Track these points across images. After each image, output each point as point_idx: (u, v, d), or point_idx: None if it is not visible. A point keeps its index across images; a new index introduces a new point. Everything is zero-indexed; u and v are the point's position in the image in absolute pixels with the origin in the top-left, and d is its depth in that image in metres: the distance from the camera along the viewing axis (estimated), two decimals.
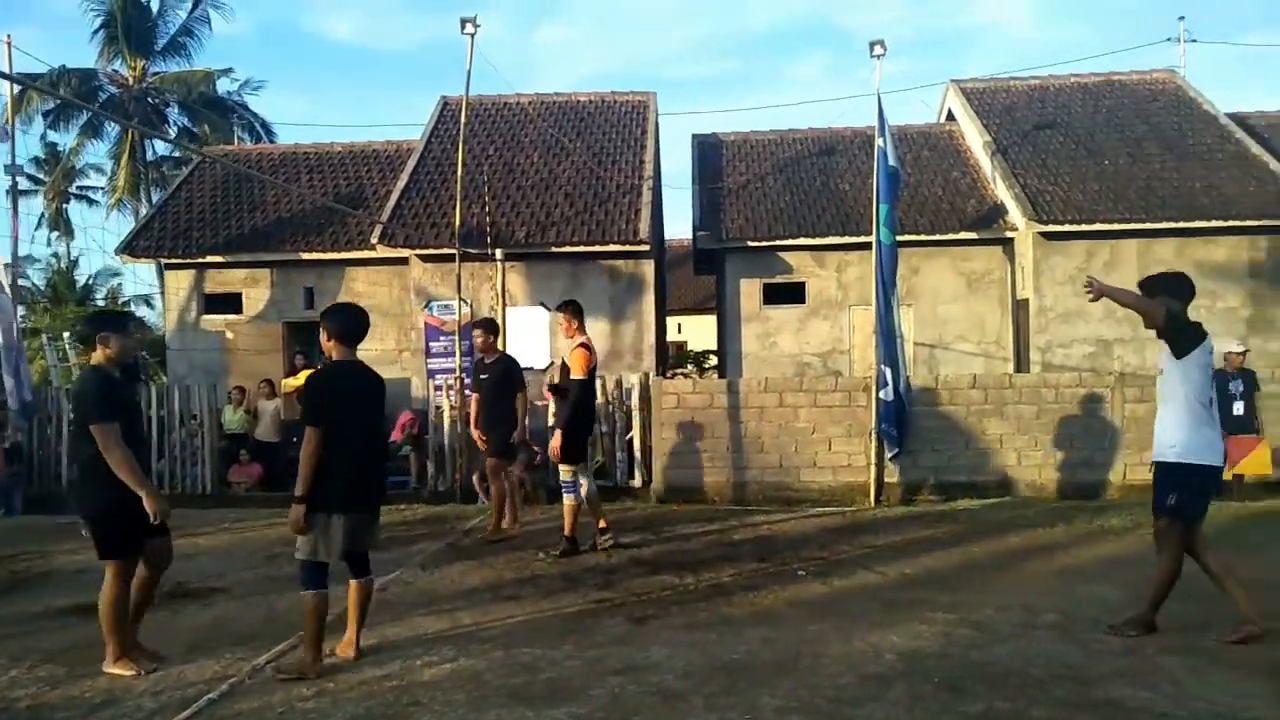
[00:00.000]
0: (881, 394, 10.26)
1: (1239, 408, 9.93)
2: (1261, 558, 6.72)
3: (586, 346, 7.13)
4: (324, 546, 4.45)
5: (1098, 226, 14.68)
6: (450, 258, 13.20)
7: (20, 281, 14.56)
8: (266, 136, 30.57)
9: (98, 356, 4.66)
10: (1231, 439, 9.72)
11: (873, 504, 9.99)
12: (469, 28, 11.90)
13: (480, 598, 5.93)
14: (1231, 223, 14.53)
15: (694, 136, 18.83)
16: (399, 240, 14.81)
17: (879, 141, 10.85)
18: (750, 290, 15.87)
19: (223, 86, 31.12)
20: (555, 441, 7.04)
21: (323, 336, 4.65)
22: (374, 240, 14.89)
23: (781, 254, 15.78)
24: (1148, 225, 14.63)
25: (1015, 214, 15.17)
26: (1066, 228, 14.68)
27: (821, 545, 7.43)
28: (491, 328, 8.33)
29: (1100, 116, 17.46)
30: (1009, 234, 15.44)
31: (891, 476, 10.51)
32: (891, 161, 10.83)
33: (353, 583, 4.68)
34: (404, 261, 15.19)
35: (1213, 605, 5.39)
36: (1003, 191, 15.75)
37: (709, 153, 18.26)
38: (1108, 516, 8.28)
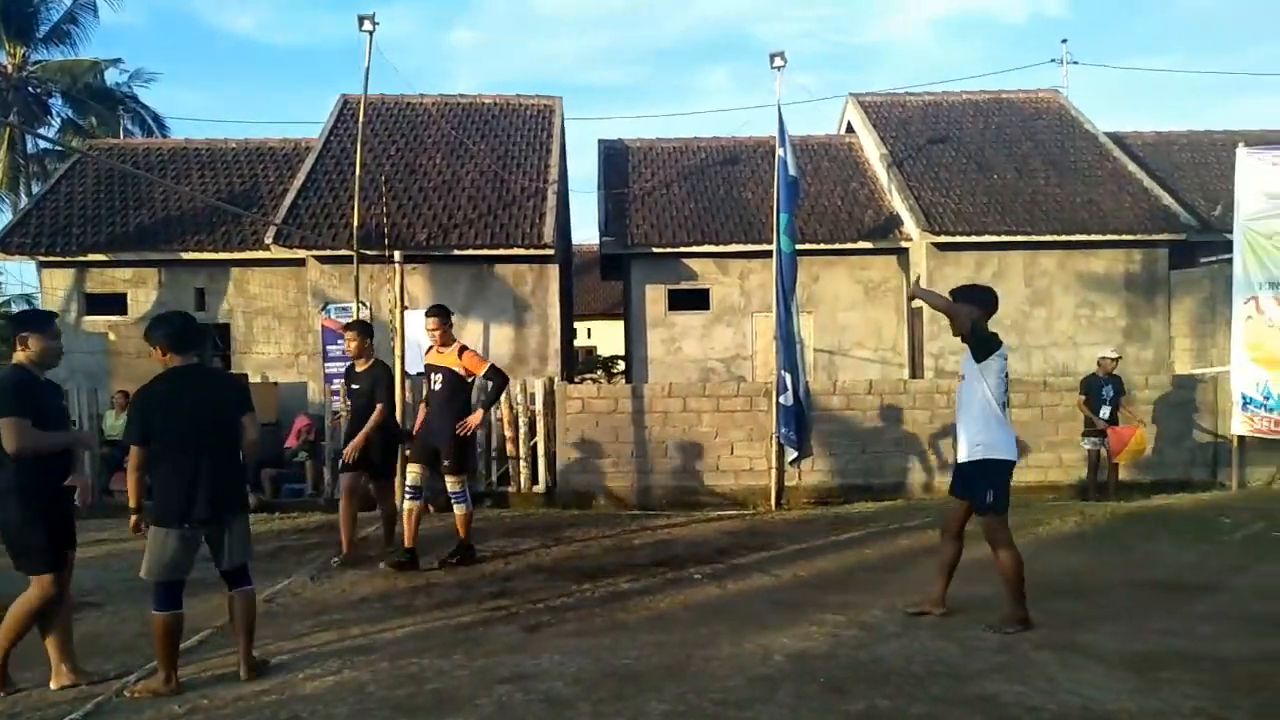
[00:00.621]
0: (782, 399, 10.43)
1: (1106, 411, 10.49)
2: (1130, 555, 7.09)
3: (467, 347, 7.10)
4: (169, 564, 4.22)
5: (986, 238, 15.26)
6: (349, 259, 12.89)
7: None
8: (158, 130, 29.34)
9: (19, 356, 4.44)
10: (1111, 430, 10.36)
11: (773, 507, 10.15)
12: (367, 25, 11.66)
13: (371, 608, 5.79)
14: (1109, 236, 15.31)
15: (600, 142, 18.87)
16: (295, 241, 14.38)
17: (780, 151, 11.05)
18: (656, 296, 15.97)
19: (112, 78, 29.75)
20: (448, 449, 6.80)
21: (155, 352, 4.42)
22: (268, 241, 14.42)
23: (686, 260, 15.93)
24: (1033, 238, 15.28)
25: (910, 225, 15.67)
26: (958, 239, 15.22)
27: (720, 549, 7.50)
28: (365, 331, 7.60)
29: (989, 133, 18.18)
30: (904, 244, 15.93)
31: (792, 480, 10.70)
32: (792, 171, 11.04)
33: (231, 595, 4.48)
34: (300, 263, 14.76)
35: (1088, 601, 5.67)
36: (898, 203, 16.25)
37: (615, 158, 18.31)
38: None
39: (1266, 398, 10.28)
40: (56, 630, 4.43)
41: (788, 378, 10.49)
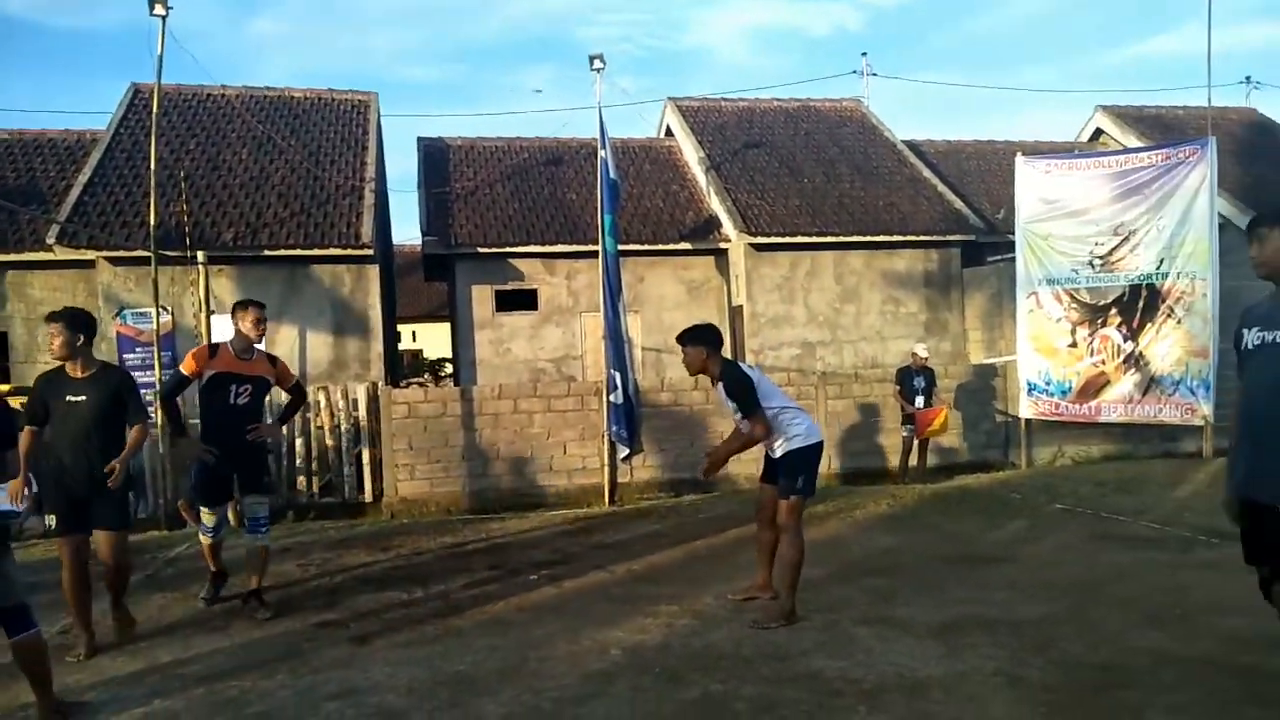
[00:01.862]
0: (612, 397, 10.54)
1: (920, 401, 11.24)
2: (936, 533, 7.64)
3: (214, 345, 5.95)
4: None
5: (799, 239, 16.02)
6: (145, 260, 11.98)
7: None
8: None
9: None
10: (919, 413, 11.12)
11: (607, 504, 10.25)
12: (159, 9, 10.87)
13: (183, 632, 5.41)
14: (909, 237, 16.41)
15: (420, 139, 18.47)
16: (82, 240, 13.24)
17: (601, 153, 11.16)
18: (482, 297, 15.77)
19: None
20: None
21: None
22: (51, 240, 13.20)
23: (512, 261, 15.83)
24: (841, 238, 16.18)
25: (728, 226, 16.22)
26: (773, 239, 15.90)
27: (555, 548, 7.50)
28: (78, 324, 5.00)
29: (799, 139, 19.10)
30: (723, 245, 16.47)
31: (625, 476, 10.85)
32: (612, 174, 11.18)
33: (11, 644, 3.87)
34: (90, 264, 13.60)
35: (901, 577, 6.05)
36: (717, 205, 16.79)
37: (435, 157, 17.95)
38: (811, 503, 8.99)
39: (1048, 383, 11.33)
40: None
41: (617, 376, 10.61)
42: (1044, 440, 12.07)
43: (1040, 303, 11.35)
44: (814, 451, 5.25)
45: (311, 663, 4.71)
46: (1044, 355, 11.36)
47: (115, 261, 13.39)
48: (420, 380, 24.37)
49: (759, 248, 15.95)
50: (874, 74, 22.47)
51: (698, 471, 5.46)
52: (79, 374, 4.96)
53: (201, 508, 5.80)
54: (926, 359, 11.55)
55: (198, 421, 5.98)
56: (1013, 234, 12.05)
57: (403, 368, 24.17)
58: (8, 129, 16.52)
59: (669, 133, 19.96)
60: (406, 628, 5.29)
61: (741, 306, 16.18)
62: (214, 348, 5.74)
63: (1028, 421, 11.67)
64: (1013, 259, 12.02)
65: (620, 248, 11.89)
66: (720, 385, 5.26)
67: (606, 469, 10.62)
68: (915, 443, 11.30)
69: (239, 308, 5.81)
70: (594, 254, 12.55)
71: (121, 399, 5.01)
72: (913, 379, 11.29)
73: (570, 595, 5.97)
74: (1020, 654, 4.43)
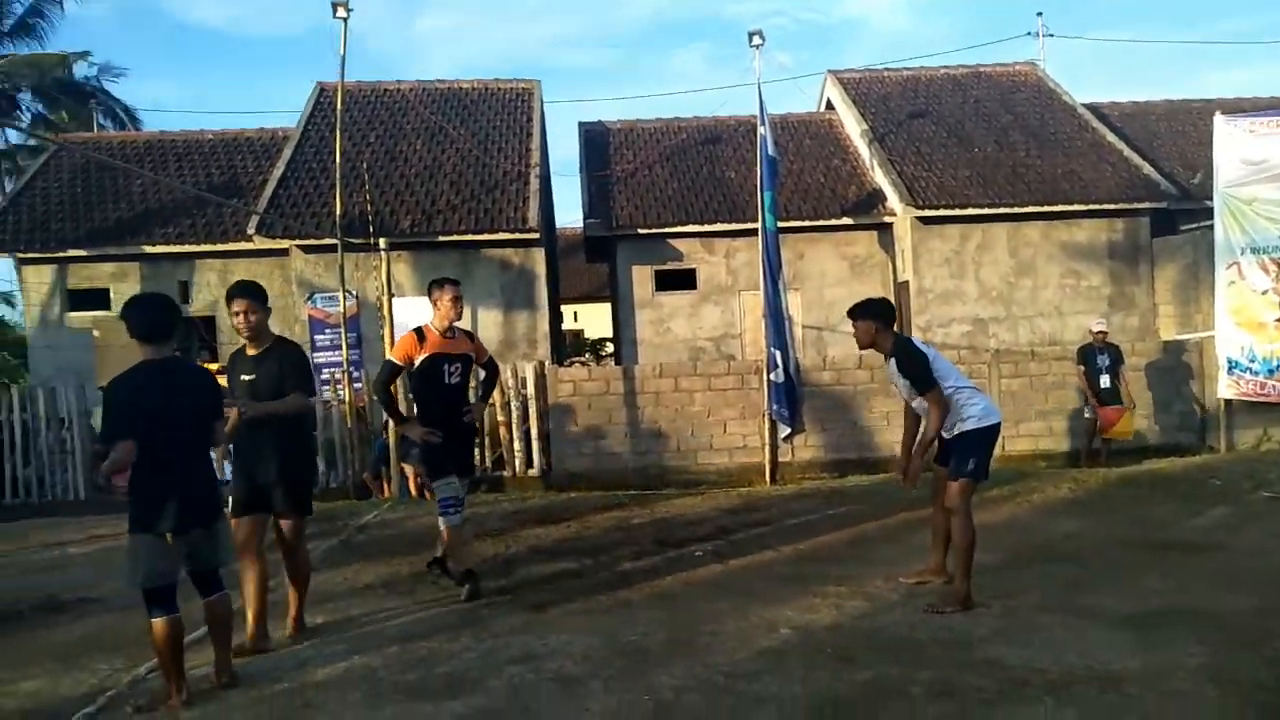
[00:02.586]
0: (772, 376, 10.47)
1: (1106, 380, 10.55)
2: (1123, 519, 7.19)
3: (419, 330, 5.69)
4: (149, 571, 3.94)
5: (970, 211, 15.33)
6: (333, 248, 12.81)
7: None
8: (131, 124, 28.94)
9: None
10: (1102, 409, 10.45)
11: (768, 483, 10.21)
12: (341, 12, 11.55)
13: (375, 594, 5.80)
14: (1091, 206, 15.41)
15: (580, 124, 18.81)
16: (278, 230, 14.29)
17: (760, 130, 11.05)
18: (642, 277, 15.96)
19: (81, 71, 29.31)
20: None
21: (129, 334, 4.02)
22: (251, 230, 14.32)
23: (671, 241, 15.93)
24: (1015, 209, 15.37)
25: (893, 199, 15.71)
26: (941, 212, 15.28)
27: (719, 526, 7.54)
28: (261, 298, 4.90)
29: (969, 106, 18.23)
30: (888, 219, 15.98)
31: (786, 456, 10.78)
32: (771, 150, 11.06)
33: (204, 604, 4.21)
34: (284, 253, 14.67)
35: (1086, 565, 5.75)
36: (880, 178, 16.29)
37: (596, 141, 18.25)
38: (986, 487, 8.65)
39: (1251, 361, 10.41)
40: None
41: (778, 355, 10.52)
42: (1246, 423, 11.11)
43: (1243, 273, 10.42)
44: (990, 433, 5.05)
45: (491, 628, 4.94)
46: (1247, 330, 10.43)
47: (306, 249, 14.38)
48: (582, 359, 24.98)
49: (926, 221, 15.38)
50: (1050, 34, 21.19)
51: (899, 483, 5.23)
52: (255, 350, 4.84)
53: (437, 483, 5.58)
54: (1105, 333, 10.83)
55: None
56: (1210, 200, 11.11)
57: (565, 347, 24.83)
58: (213, 130, 18.02)
59: (829, 106, 19.50)
60: (579, 598, 5.47)
61: (907, 282, 15.67)
62: (419, 331, 5.61)
63: (1228, 402, 10.77)
64: (1210, 227, 11.09)
65: (780, 225, 11.75)
66: (891, 361, 5.13)
67: (767, 448, 10.58)
68: (1098, 424, 10.65)
69: (436, 286, 5.66)
70: (753, 232, 12.47)
71: (296, 374, 4.79)
72: (1096, 357, 10.62)
73: (736, 572, 6.00)
74: (1228, 649, 4.12)
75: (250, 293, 4.80)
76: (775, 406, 10.50)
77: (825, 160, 17.44)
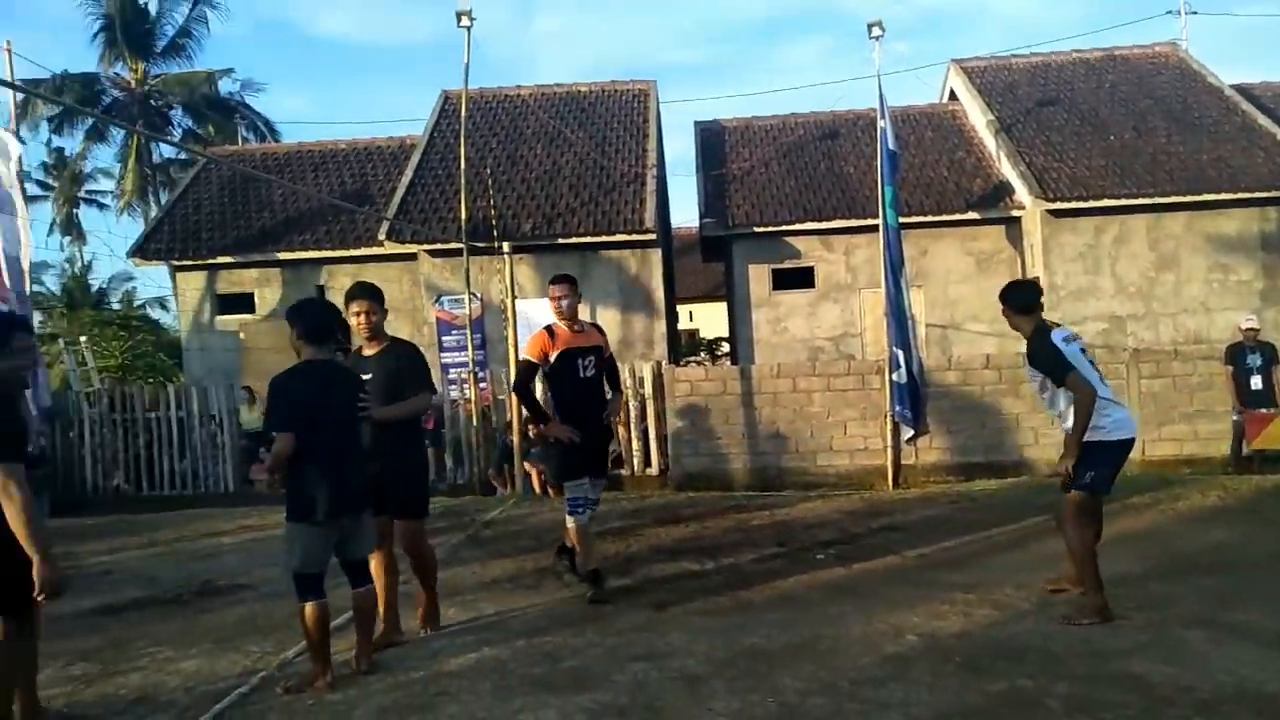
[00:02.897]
0: (895, 376, 10.27)
1: (1257, 381, 9.86)
2: (1273, 526, 6.74)
3: (549, 328, 5.72)
4: (306, 557, 4.19)
5: (1105, 203, 14.62)
6: (458, 252, 13.25)
7: (35, 287, 14.64)
8: (270, 136, 30.67)
9: None
10: (1249, 415, 9.75)
11: (890, 486, 10.02)
12: (465, 21, 11.93)
13: (501, 588, 5.98)
14: (1241, 195, 14.45)
15: (696, 124, 18.83)
16: (406, 236, 14.86)
17: (881, 123, 10.84)
18: (759, 276, 15.87)
19: (225, 87, 31.27)
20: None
21: (291, 335, 4.34)
22: (381, 236, 14.95)
23: (789, 239, 15.77)
24: (1156, 200, 14.56)
25: (1021, 192, 15.13)
26: (1074, 204, 14.63)
27: (840, 529, 7.45)
28: (378, 299, 4.93)
29: (1104, 92, 17.38)
30: (1015, 212, 15.40)
31: (908, 458, 10.54)
32: (891, 144, 10.84)
33: (353, 594, 4.42)
34: (413, 257, 15.24)
35: (1236, 578, 5.43)
36: (1008, 170, 15.70)
37: (712, 139, 18.24)
38: (1126, 493, 8.27)
39: None
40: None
41: (900, 354, 10.31)
42: None
43: None
44: (1118, 449, 4.77)
45: (615, 625, 5.03)
46: None
47: (434, 253, 14.91)
48: (698, 359, 25.01)
49: (1057, 214, 14.74)
50: (1193, 12, 19.94)
51: (1055, 478, 5.01)
52: (372, 350, 4.84)
53: (567, 484, 5.56)
54: (1256, 330, 10.13)
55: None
56: None
57: (681, 347, 24.90)
58: (346, 140, 18.88)
59: (952, 96, 18.92)
60: (700, 598, 5.51)
61: (1037, 278, 15.03)
62: (550, 329, 5.63)
63: None
64: None
65: (902, 220, 11.52)
66: (1026, 350, 4.95)
67: (890, 450, 10.38)
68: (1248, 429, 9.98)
69: (554, 283, 5.70)
70: (873, 228, 12.25)
71: (412, 373, 4.79)
72: (1245, 356, 9.96)
73: (860, 576, 5.92)
74: None
75: (369, 294, 4.84)
76: (898, 408, 10.29)
77: (949, 153, 16.93)
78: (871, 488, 10.01)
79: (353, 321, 4.82)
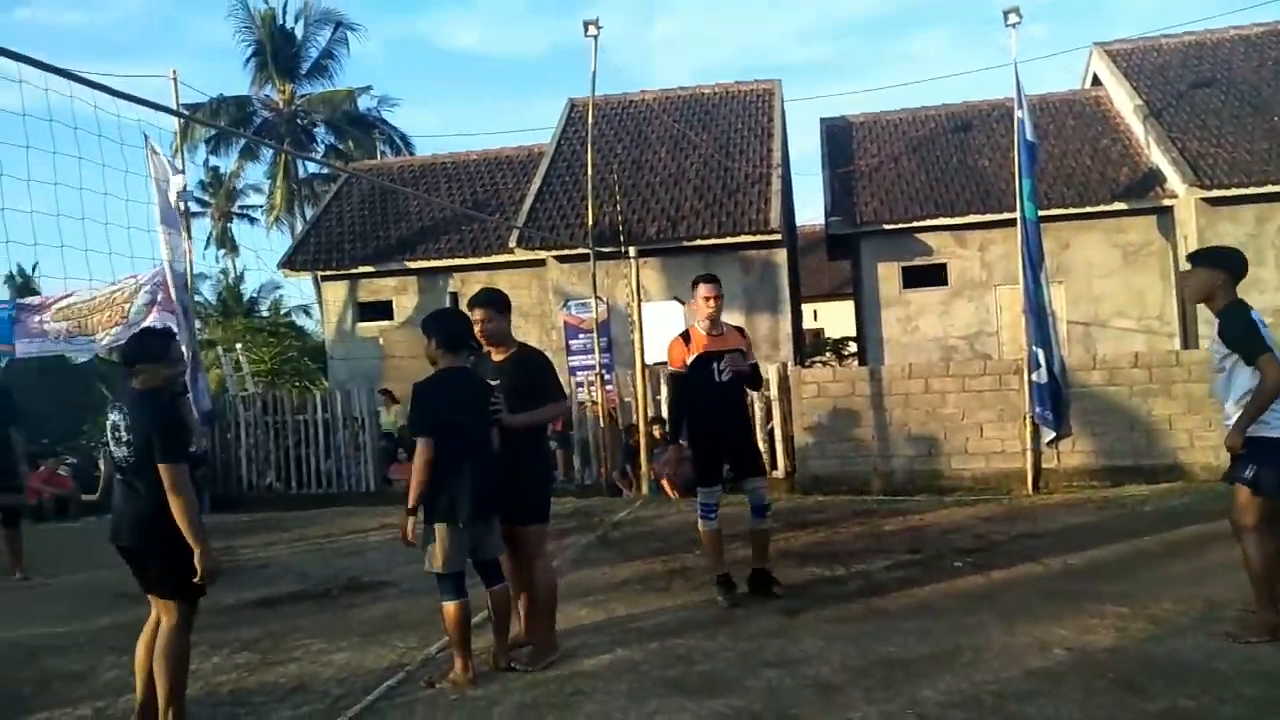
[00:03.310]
0: (1034, 376, 9.82)
1: None
2: None
3: (685, 333, 5.71)
4: (447, 557, 4.33)
5: (1269, 189, 13.59)
6: (585, 257, 13.47)
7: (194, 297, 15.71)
8: (405, 148, 31.95)
9: (149, 380, 3.99)
10: None
11: (1030, 491, 9.60)
12: (592, 30, 12.11)
13: (632, 589, 6.04)
14: None
15: (822, 120, 18.56)
16: (535, 242, 15.21)
17: (1018, 113, 10.40)
18: (889, 274, 15.50)
19: (363, 104, 32.77)
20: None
21: (427, 345, 4.49)
22: (511, 244, 15.35)
23: (920, 235, 15.36)
24: None
25: (1174, 180, 14.26)
26: (1233, 191, 13.69)
27: (977, 535, 7.20)
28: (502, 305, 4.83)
29: (1266, 70, 16.19)
30: (1167, 202, 14.52)
31: (1050, 462, 10.06)
32: (1029, 135, 10.38)
33: (488, 593, 4.54)
34: (541, 263, 15.60)
35: None
36: (1158, 157, 14.82)
37: (838, 136, 17.93)
38: None
39: None
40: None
41: (1040, 353, 9.85)
42: None
43: None
44: (1271, 445, 4.34)
45: (747, 629, 5.01)
46: None
47: (561, 259, 15.23)
48: (823, 359, 24.62)
49: (1214, 202, 13.81)
50: None
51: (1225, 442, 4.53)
52: (500, 356, 4.79)
53: (699, 489, 5.57)
54: None
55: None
56: None
57: (805, 347, 24.57)
58: (477, 150, 19.55)
59: (1095, 81, 17.98)
60: (833, 604, 5.42)
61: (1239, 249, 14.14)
62: (685, 334, 5.62)
63: None
64: None
65: (1041, 213, 11.01)
66: (1217, 324, 4.51)
67: (1029, 453, 9.93)
68: None
69: (703, 283, 5.59)
70: (1009, 223, 11.76)
71: (538, 379, 4.76)
72: None
73: (1000, 586, 5.71)
74: None
75: (485, 301, 4.77)
76: (1038, 409, 9.83)
77: (1092, 141, 16.11)
78: (1010, 493, 9.62)
79: (475, 328, 4.79)
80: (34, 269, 24.97)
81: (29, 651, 5.45)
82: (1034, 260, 10.16)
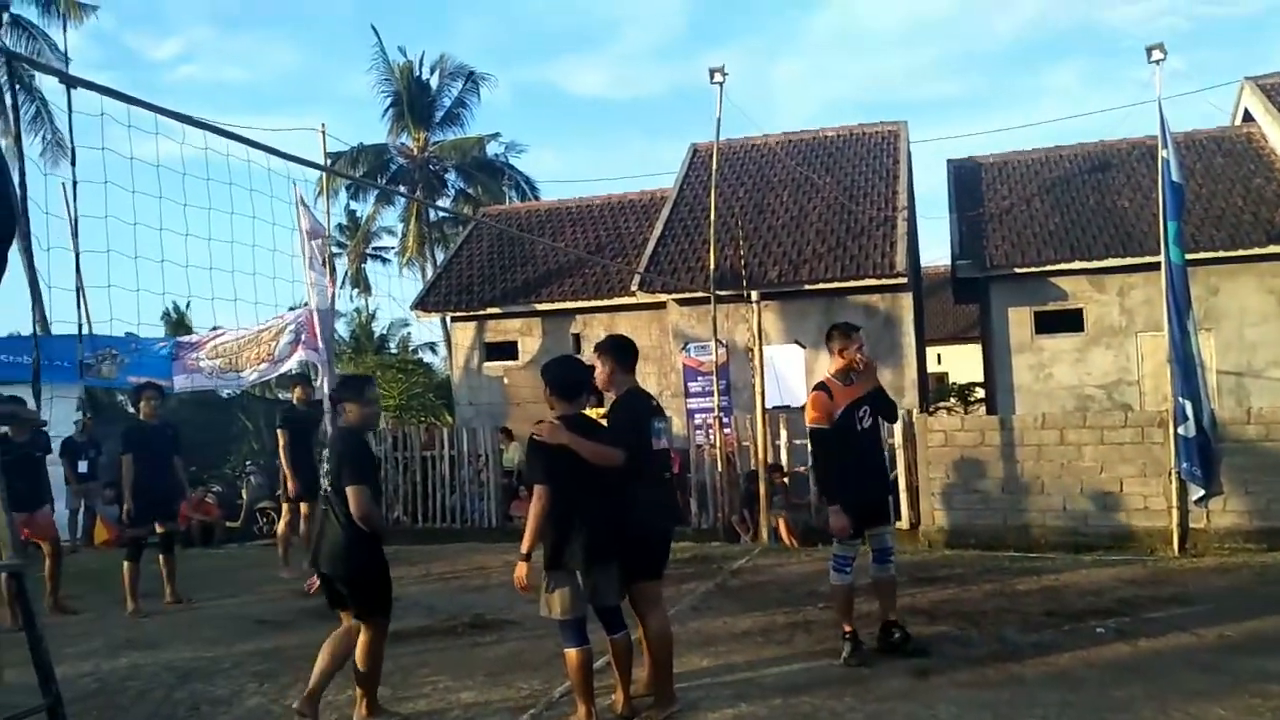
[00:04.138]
0: (1181, 430, 9.26)
1: None
2: None
3: (822, 386, 5.60)
4: (565, 605, 4.36)
5: None
6: (705, 300, 13.52)
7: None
8: (531, 193, 32.95)
9: (349, 417, 4.80)
10: None
11: (1177, 552, 9.03)
12: (718, 77, 12.27)
13: (753, 641, 5.97)
14: None
15: (949, 162, 18.15)
16: (656, 286, 15.38)
17: (1162, 153, 9.94)
18: (1020, 319, 14.97)
19: (492, 150, 34.02)
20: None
21: (544, 391, 4.56)
22: (634, 287, 15.56)
23: (1054, 279, 14.78)
24: None
25: None
26: None
27: (1120, 598, 6.80)
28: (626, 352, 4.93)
29: None
30: None
31: (1198, 522, 9.45)
32: (1175, 175, 9.89)
33: (609, 640, 4.52)
34: (662, 306, 15.74)
35: None
36: None
37: (966, 177, 17.51)
38: None
39: None
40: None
41: (1187, 405, 9.30)
42: None
43: None
44: None
45: (875, 690, 4.87)
46: None
47: (681, 302, 15.33)
48: (947, 405, 23.87)
49: None
50: None
51: None
52: (611, 399, 4.87)
53: (839, 542, 5.45)
54: None
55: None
56: None
57: (929, 392, 23.89)
58: (601, 195, 19.96)
59: (1247, 117, 17.03)
60: (965, 667, 5.21)
61: None
62: (825, 388, 5.53)
63: None
64: None
65: (1188, 256, 10.45)
66: None
67: (1175, 511, 9.34)
68: None
69: (839, 334, 5.59)
70: (1151, 266, 11.24)
71: (611, 419, 4.76)
72: None
73: (1147, 655, 5.37)
74: None
75: (602, 348, 4.85)
76: (1185, 464, 9.25)
77: (1244, 180, 15.23)
78: (1153, 553, 9.07)
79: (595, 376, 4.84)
80: (188, 306, 26.75)
81: (180, 675, 5.79)
82: (1180, 307, 9.64)
